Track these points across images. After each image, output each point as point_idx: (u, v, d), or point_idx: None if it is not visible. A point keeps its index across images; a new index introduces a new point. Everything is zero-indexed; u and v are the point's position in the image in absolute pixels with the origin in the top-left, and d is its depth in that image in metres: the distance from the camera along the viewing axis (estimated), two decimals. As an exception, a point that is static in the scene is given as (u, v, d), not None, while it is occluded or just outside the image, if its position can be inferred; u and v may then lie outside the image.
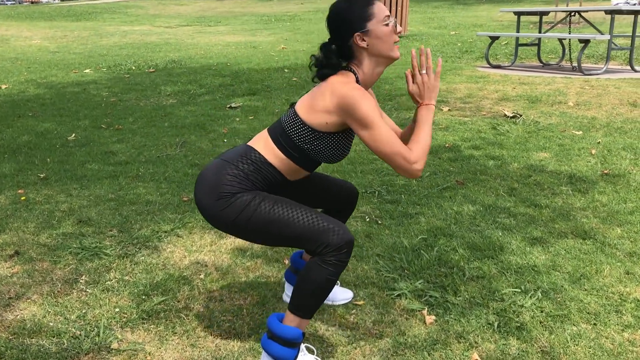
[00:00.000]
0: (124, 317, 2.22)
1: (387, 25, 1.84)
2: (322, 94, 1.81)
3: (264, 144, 1.89)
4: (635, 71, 7.24)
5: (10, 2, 52.88)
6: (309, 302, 1.82)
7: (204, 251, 2.80)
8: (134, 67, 9.24)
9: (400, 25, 12.31)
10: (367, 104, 1.75)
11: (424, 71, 1.87)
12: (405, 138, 2.09)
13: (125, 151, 4.55)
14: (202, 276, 2.55)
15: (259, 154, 1.87)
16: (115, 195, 3.56)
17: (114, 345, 2.04)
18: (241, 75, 8.02)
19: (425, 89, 1.87)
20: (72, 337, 2.09)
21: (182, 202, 3.43)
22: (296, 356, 1.86)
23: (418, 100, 1.89)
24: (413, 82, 1.89)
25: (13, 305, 2.30)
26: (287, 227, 1.79)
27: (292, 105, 1.92)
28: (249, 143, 1.92)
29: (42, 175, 3.94)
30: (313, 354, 1.98)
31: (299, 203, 1.96)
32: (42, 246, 2.84)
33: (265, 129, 1.94)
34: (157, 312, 2.25)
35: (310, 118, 1.82)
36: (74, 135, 5.05)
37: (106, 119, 5.71)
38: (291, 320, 1.84)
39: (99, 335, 2.09)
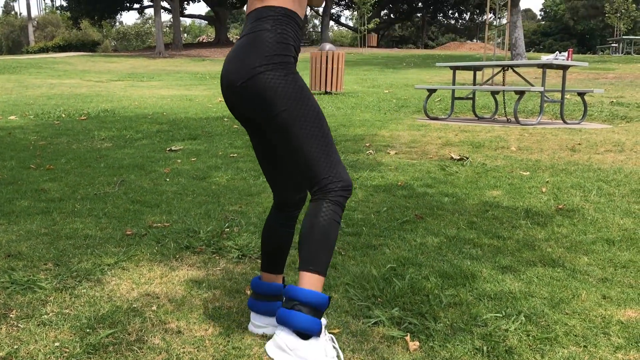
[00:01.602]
0: (66, 352, 1.90)
1: None
2: None
3: (259, 0, 1.73)
4: (567, 123, 7.54)
5: None
6: (320, 251, 1.66)
7: (154, 283, 2.51)
8: (63, 115, 8.83)
9: (337, 85, 12.49)
10: None
11: None
12: None
13: (59, 189, 4.19)
14: (154, 308, 2.26)
15: (266, 7, 1.71)
16: (49, 230, 3.21)
17: (55, 382, 1.72)
18: (179, 123, 7.78)
19: None
20: (2, 375, 1.76)
21: (126, 236, 3.13)
22: (321, 328, 1.65)
23: None
24: None
25: None
26: (320, 135, 1.67)
27: None
28: (248, 10, 1.76)
29: (-37, 211, 3.54)
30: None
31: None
32: (-36, 281, 2.47)
33: None
34: (105, 346, 1.95)
35: None
36: (-1, 174, 4.65)
37: (35, 160, 5.31)
38: (310, 283, 1.65)
39: (35, 373, 1.77)
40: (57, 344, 1.95)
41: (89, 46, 44.66)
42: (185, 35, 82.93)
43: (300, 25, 1.77)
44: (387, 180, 4.63)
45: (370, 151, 5.75)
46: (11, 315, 2.17)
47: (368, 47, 39.25)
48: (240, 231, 3.26)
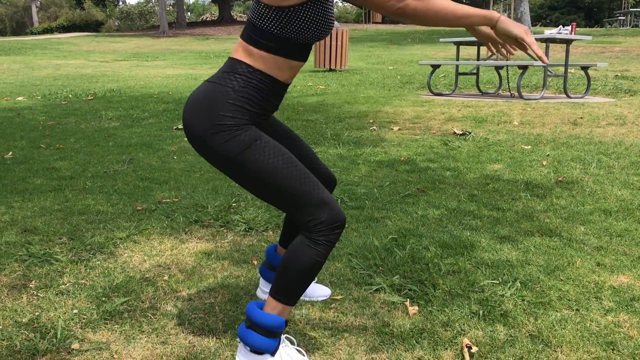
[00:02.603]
0: (84, 319, 2.02)
1: None
2: None
3: (242, 51, 1.63)
4: (570, 97, 7.56)
5: None
6: (293, 285, 1.68)
7: (165, 255, 2.62)
8: (70, 95, 8.91)
9: (341, 62, 12.50)
10: None
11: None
12: None
13: (69, 167, 4.30)
14: (165, 278, 2.37)
15: (244, 63, 1.62)
16: (62, 206, 3.32)
17: (75, 345, 1.84)
18: (185, 102, 7.85)
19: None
20: (25, 339, 1.87)
21: (137, 211, 3.24)
22: (277, 347, 1.72)
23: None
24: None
25: (-47, 311, 2.06)
26: (285, 187, 1.61)
27: None
28: (232, 55, 1.69)
29: (-22, 189, 3.66)
30: (294, 345, 1.84)
31: (298, 162, 1.72)
32: (-17, 255, 2.59)
33: (239, 36, 1.75)
34: (120, 313, 2.06)
35: None
36: (10, 153, 4.75)
37: (45, 139, 5.42)
38: (273, 307, 1.70)
39: (56, 337, 1.89)
40: (75, 311, 2.07)
41: (93, 26, 44.59)
42: (189, 13, 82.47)
43: (276, 90, 1.67)
44: (390, 155, 4.70)
45: (374, 127, 5.82)
46: (31, 285, 2.28)
47: (373, 23, 38.98)
48: (247, 206, 3.36)
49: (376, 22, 41.30)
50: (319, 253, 1.65)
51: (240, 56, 1.64)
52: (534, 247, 2.78)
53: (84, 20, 44.59)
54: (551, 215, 3.24)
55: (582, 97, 7.63)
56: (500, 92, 8.70)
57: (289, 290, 1.68)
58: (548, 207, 3.40)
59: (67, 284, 2.29)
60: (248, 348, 1.70)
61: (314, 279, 1.71)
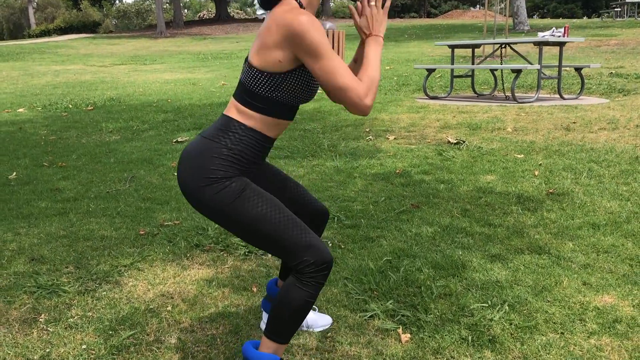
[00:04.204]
0: (92, 354, 2.13)
1: None
2: (268, 29, 1.66)
3: (235, 110, 1.76)
4: (564, 99, 7.65)
5: None
6: (286, 325, 1.78)
7: (168, 283, 2.73)
8: (70, 106, 9.01)
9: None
10: (317, 30, 1.60)
11: (372, 3, 1.80)
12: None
13: (72, 188, 4.40)
14: (169, 308, 2.48)
15: (237, 121, 1.75)
16: (67, 232, 3.43)
17: (85, 382, 1.95)
18: (184, 111, 7.95)
19: (373, 20, 1.80)
20: (38, 377, 1.98)
21: (139, 236, 3.34)
22: None
23: (365, 33, 1.82)
24: (360, 16, 1.83)
25: (-32, 349, 2.16)
26: (272, 232, 1.72)
27: (246, 59, 1.80)
28: (225, 112, 1.81)
29: (-15, 215, 3.76)
30: None
31: (285, 208, 1.83)
32: (-6, 287, 2.70)
33: (232, 95, 1.88)
34: (126, 347, 2.17)
35: (263, 61, 1.69)
36: (14, 174, 4.86)
37: (48, 156, 5.52)
38: (268, 347, 1.80)
39: (67, 374, 1.99)
40: (84, 346, 2.17)
41: (90, 27, 44.58)
42: (186, 11, 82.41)
43: (265, 145, 1.79)
44: (385, 167, 4.80)
45: (370, 137, 5.91)
46: (40, 319, 2.39)
47: (370, 18, 38.90)
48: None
49: (373, 17, 41.18)
50: (309, 294, 1.75)
51: (234, 115, 1.76)
52: (524, 265, 2.88)
53: (81, 21, 44.62)
54: (541, 231, 3.34)
55: (576, 98, 7.72)
56: (495, 93, 8.79)
57: (282, 330, 1.78)
58: (538, 221, 3.50)
59: (75, 317, 2.40)
60: None
61: (305, 318, 1.82)
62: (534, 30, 21.59)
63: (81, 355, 2.12)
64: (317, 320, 2.32)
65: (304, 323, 2.27)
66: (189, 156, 1.75)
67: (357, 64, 2.01)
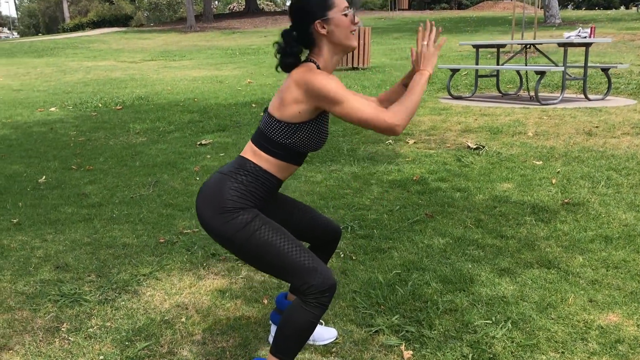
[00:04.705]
0: (109, 365, 2.25)
1: (346, 15, 1.96)
2: (288, 88, 1.89)
3: (252, 152, 1.96)
4: (589, 100, 7.57)
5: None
6: (290, 344, 1.89)
7: (184, 293, 2.84)
8: (100, 105, 9.24)
9: (363, 60, 12.60)
10: (332, 82, 1.83)
11: (424, 42, 1.97)
12: (389, 98, 2.25)
13: (98, 192, 4.57)
14: (183, 319, 2.59)
15: (253, 163, 1.94)
16: (91, 239, 3.58)
17: (101, 393, 2.07)
18: (209, 111, 8.09)
19: (422, 57, 1.97)
20: (57, 387, 2.11)
21: (159, 244, 3.47)
22: None
23: (416, 68, 2.00)
24: (414, 56, 2.02)
25: (-5, 357, 2.31)
26: (278, 258, 1.87)
27: (265, 109, 2.02)
28: (242, 154, 2.00)
29: (15, 220, 3.94)
30: None
31: (290, 235, 2.00)
32: (21, 294, 2.85)
33: (250, 139, 2.05)
34: (141, 358, 2.29)
35: (283, 114, 1.90)
36: (44, 177, 5.05)
37: (76, 159, 5.71)
38: None
39: (84, 384, 2.12)
40: (101, 357, 2.30)
41: (122, 20, 45.21)
42: (216, 2, 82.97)
43: (275, 186, 1.99)
44: (403, 174, 4.86)
45: (390, 140, 5.96)
46: (62, 328, 2.53)
47: (399, 9, 38.74)
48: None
49: (402, 9, 41.04)
50: (313, 315, 1.87)
51: (250, 157, 1.97)
52: (531, 280, 2.92)
53: (113, 15, 45.30)
54: (552, 244, 3.36)
55: (602, 99, 7.63)
56: (521, 92, 8.73)
57: (286, 348, 1.90)
58: (551, 233, 3.52)
59: (95, 327, 2.53)
60: None
61: (309, 337, 1.92)
62: (566, 24, 21.23)
63: (98, 366, 2.24)
64: (322, 333, 2.41)
65: (310, 337, 2.36)
66: (207, 188, 1.94)
67: (403, 88, 2.22)
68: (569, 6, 57.63)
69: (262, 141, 1.95)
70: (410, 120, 6.62)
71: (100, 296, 2.82)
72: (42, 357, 2.31)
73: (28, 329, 2.52)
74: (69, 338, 2.45)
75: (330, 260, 3.20)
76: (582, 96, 7.95)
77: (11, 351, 2.35)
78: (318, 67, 1.95)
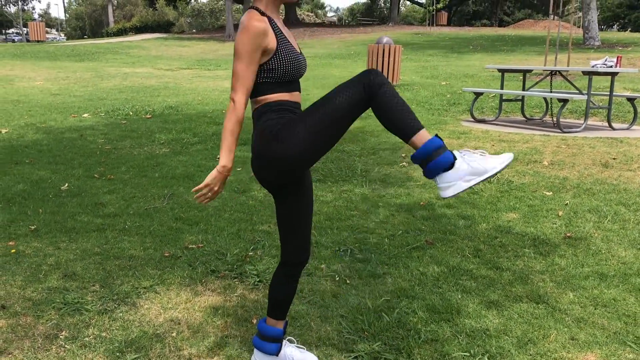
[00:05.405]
0: (98, 374, 2.39)
1: None
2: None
3: (253, 103, 2.15)
4: (614, 129, 7.51)
5: (17, 38, 53.85)
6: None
7: (179, 308, 2.98)
8: (131, 113, 9.53)
9: (392, 77, 12.65)
10: (242, 36, 2.01)
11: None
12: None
13: (115, 202, 4.76)
14: (174, 334, 2.73)
15: (260, 106, 2.12)
16: (101, 249, 3.75)
17: (86, 401, 2.21)
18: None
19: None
20: (47, 393, 2.26)
21: (164, 258, 3.63)
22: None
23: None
24: None
25: (-5, 360, 2.48)
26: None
27: None
28: (252, 113, 2.18)
29: (33, 227, 4.15)
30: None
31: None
32: (28, 300, 3.03)
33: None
34: (128, 370, 2.43)
35: None
36: (67, 185, 5.27)
37: (99, 167, 5.94)
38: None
39: (72, 392, 2.26)
40: (92, 366, 2.45)
41: (164, 26, 46.21)
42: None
43: (291, 103, 2.19)
44: (411, 198, 4.93)
45: (404, 163, 6.04)
46: (61, 336, 2.69)
47: (437, 25, 38.70)
48: (263, 254, 3.69)
49: (440, 25, 40.98)
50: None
51: (255, 107, 2.17)
52: (518, 314, 2.97)
53: (156, 21, 46.35)
54: (546, 278, 3.40)
55: (627, 129, 7.56)
56: (546, 118, 8.70)
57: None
58: (547, 267, 3.55)
59: (91, 337, 2.69)
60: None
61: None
62: (605, 46, 20.93)
63: (88, 375, 2.39)
64: (303, 359, 2.51)
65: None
66: (255, 147, 2.14)
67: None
68: (615, 26, 56.54)
69: (252, 91, 2.13)
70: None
71: (101, 306, 2.98)
72: (37, 363, 2.47)
73: (29, 335, 2.69)
74: (65, 346, 2.61)
75: (324, 284, 3.30)
76: (607, 125, 7.88)
77: (10, 355, 2.52)
78: (260, 12, 2.07)
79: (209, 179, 2.11)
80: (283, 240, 2.33)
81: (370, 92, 1.99)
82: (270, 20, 2.09)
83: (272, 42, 2.07)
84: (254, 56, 2.04)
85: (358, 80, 2.01)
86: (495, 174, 1.98)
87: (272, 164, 2.07)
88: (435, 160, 1.98)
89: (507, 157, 2.00)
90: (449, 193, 1.99)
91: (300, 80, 2.07)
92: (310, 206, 2.33)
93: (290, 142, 2.02)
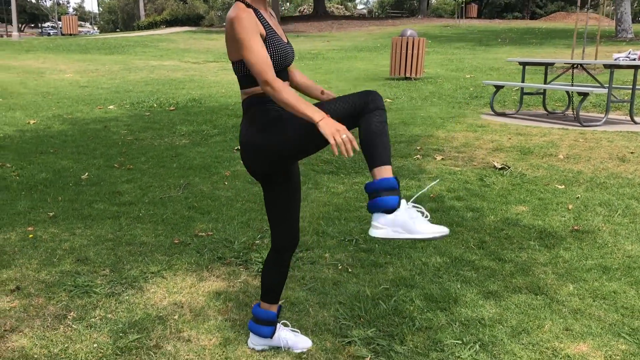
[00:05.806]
0: (100, 353, 2.51)
1: None
2: (225, 31, 2.14)
3: (242, 94, 2.24)
4: (636, 123, 7.41)
5: (53, 32, 54.93)
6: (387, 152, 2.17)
7: (183, 293, 3.09)
8: (155, 105, 9.72)
9: (416, 70, 12.61)
10: (241, 24, 2.04)
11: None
12: (303, 83, 2.46)
13: (132, 191, 4.90)
14: (176, 317, 2.83)
15: (248, 97, 2.21)
16: (114, 235, 3.89)
17: (87, 377, 2.33)
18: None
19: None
20: (52, 368, 2.38)
21: (173, 245, 3.74)
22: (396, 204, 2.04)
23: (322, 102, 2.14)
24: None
25: (7, 337, 2.61)
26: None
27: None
28: (241, 103, 2.27)
29: (51, 213, 4.31)
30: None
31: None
32: (41, 282, 3.17)
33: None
34: (129, 349, 2.54)
35: (233, 55, 2.16)
36: (87, 174, 5.44)
37: (120, 157, 6.10)
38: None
39: (75, 368, 2.39)
40: (95, 345, 2.57)
41: (194, 19, 46.62)
42: (288, 4, 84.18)
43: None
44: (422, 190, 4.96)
45: (418, 155, 6.06)
46: (69, 317, 2.82)
47: (467, 18, 38.29)
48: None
49: (470, 17, 40.51)
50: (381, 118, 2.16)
51: (243, 97, 2.26)
52: (515, 305, 3.01)
53: (186, 15, 46.79)
54: (548, 270, 3.42)
55: (650, 123, 7.45)
56: (568, 111, 8.61)
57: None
58: (550, 260, 3.57)
59: (97, 318, 2.81)
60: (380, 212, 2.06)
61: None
62: (638, 39, 20.48)
63: (91, 352, 2.51)
64: (297, 342, 2.59)
65: (283, 343, 2.55)
66: (242, 143, 2.24)
67: (316, 93, 2.46)
68: (648, 19, 55.15)
69: (241, 82, 2.22)
70: (444, 135, 6.68)
71: (109, 290, 3.10)
72: (45, 340, 2.60)
73: (40, 315, 2.82)
74: (73, 325, 2.73)
75: (327, 272, 3.38)
76: (630, 119, 7.77)
77: (21, 333, 2.65)
78: (246, 4, 2.12)
79: (330, 131, 1.93)
80: (272, 228, 2.42)
81: (364, 110, 2.05)
82: (256, 12, 2.15)
83: (262, 30, 2.14)
84: (258, 38, 2.08)
85: (358, 96, 2.08)
86: (421, 239, 1.99)
87: (258, 154, 2.15)
88: (381, 198, 1.99)
89: (441, 230, 1.98)
90: (376, 234, 2.02)
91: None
92: (297, 194, 2.42)
93: (277, 136, 2.11)
